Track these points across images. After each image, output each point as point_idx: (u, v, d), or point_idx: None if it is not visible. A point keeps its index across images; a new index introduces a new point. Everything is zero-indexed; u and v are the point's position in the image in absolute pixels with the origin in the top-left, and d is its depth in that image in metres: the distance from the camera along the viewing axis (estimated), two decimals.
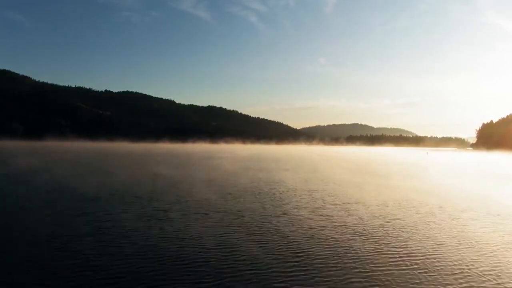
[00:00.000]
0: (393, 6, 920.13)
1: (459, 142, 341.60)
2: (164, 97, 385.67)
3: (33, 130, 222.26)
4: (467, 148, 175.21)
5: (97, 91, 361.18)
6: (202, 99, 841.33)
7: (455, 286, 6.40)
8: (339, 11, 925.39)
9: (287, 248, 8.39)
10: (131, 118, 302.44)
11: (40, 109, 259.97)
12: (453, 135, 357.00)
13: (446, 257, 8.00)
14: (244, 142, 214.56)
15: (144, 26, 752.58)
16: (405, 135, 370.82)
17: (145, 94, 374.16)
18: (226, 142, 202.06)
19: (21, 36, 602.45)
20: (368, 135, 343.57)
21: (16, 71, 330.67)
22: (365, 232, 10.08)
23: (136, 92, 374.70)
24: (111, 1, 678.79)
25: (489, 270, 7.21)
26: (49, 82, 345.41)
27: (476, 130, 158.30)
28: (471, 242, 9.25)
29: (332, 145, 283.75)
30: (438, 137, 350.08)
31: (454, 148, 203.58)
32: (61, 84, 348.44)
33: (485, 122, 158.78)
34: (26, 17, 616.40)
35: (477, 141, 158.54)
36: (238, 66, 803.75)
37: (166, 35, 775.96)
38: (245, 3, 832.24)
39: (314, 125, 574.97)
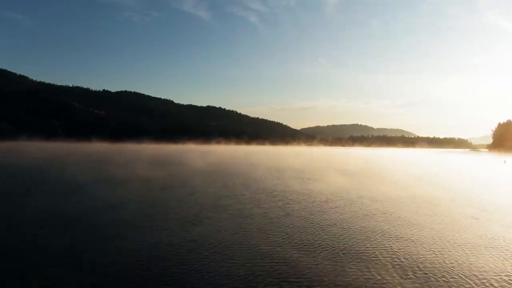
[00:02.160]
0: (394, 7, 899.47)
1: (462, 143, 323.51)
2: (162, 97, 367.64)
3: (23, 130, 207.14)
4: (482, 150, 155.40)
5: (95, 91, 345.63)
6: (201, 99, 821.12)
7: None
8: (340, 12, 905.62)
9: None
10: (127, 118, 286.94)
11: (33, 108, 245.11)
12: (451, 136, 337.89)
13: None
14: (238, 142, 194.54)
15: (144, 26, 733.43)
16: (407, 136, 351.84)
17: (143, 94, 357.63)
18: (218, 142, 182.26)
19: (21, 35, 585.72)
20: (370, 136, 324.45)
21: (15, 71, 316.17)
22: None
23: (134, 92, 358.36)
24: (111, 1, 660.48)
25: None
26: (47, 82, 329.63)
27: (492, 130, 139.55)
28: None
29: (335, 145, 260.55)
30: (441, 137, 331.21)
31: (466, 150, 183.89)
32: (60, 84, 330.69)
33: (501, 122, 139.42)
34: (26, 17, 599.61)
35: (494, 142, 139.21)
36: (238, 66, 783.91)
37: (166, 35, 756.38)
38: (245, 3, 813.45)
39: (313, 126, 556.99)
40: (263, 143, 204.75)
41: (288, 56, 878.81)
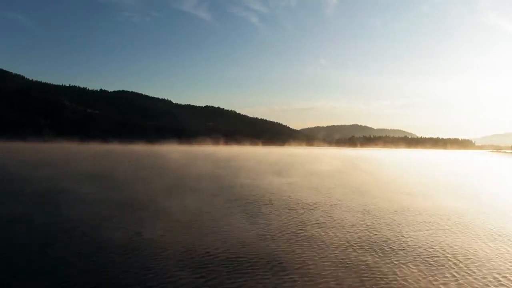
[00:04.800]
0: (394, 8, 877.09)
1: (467, 144, 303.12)
2: (160, 97, 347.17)
3: (5, 129, 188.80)
4: (507, 151, 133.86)
5: (91, 90, 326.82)
6: (200, 100, 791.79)
7: None
8: (340, 12, 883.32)
9: None
10: (122, 117, 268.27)
11: (21, 107, 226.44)
12: (452, 136, 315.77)
13: None
14: (228, 143, 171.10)
15: (145, 26, 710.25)
16: (410, 137, 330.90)
17: (140, 94, 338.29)
18: (201, 143, 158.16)
19: (21, 35, 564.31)
20: (372, 136, 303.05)
21: (14, 71, 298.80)
22: None
23: (131, 92, 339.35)
24: (111, 1, 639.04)
25: None
26: (43, 81, 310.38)
27: None
28: None
29: (341, 146, 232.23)
30: (445, 138, 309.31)
31: (489, 151, 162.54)
32: (57, 83, 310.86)
33: None
34: (26, 17, 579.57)
35: None
36: (238, 66, 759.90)
37: (166, 36, 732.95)
38: (246, 4, 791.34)
39: (313, 126, 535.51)
40: (256, 144, 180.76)
41: (288, 57, 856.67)
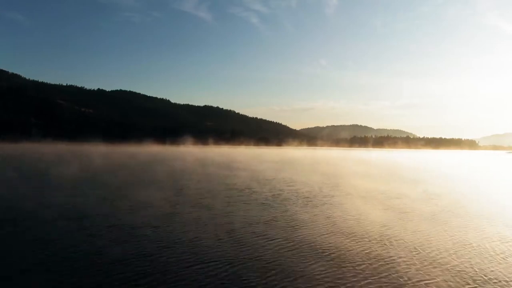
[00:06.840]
0: (394, 8, 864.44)
1: (471, 144, 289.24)
2: (159, 97, 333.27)
3: None
4: None
5: (89, 90, 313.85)
6: (200, 99, 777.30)
7: None
8: (340, 13, 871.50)
9: None
10: (118, 117, 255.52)
11: (12, 107, 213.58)
12: (452, 137, 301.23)
13: None
14: (218, 143, 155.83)
15: (145, 27, 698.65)
16: (412, 137, 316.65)
17: (138, 93, 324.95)
18: (185, 143, 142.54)
19: (21, 35, 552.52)
20: (374, 136, 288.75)
21: (13, 71, 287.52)
22: None
23: (129, 91, 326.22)
24: (112, 1, 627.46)
25: None
26: (41, 80, 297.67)
27: None
28: None
29: (345, 147, 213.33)
30: (448, 138, 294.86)
31: (507, 151, 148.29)
32: (55, 83, 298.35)
33: None
34: (26, 17, 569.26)
35: None
36: (238, 67, 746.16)
37: (167, 36, 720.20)
38: (246, 4, 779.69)
39: (313, 126, 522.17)
40: (248, 144, 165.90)
41: (288, 57, 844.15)
